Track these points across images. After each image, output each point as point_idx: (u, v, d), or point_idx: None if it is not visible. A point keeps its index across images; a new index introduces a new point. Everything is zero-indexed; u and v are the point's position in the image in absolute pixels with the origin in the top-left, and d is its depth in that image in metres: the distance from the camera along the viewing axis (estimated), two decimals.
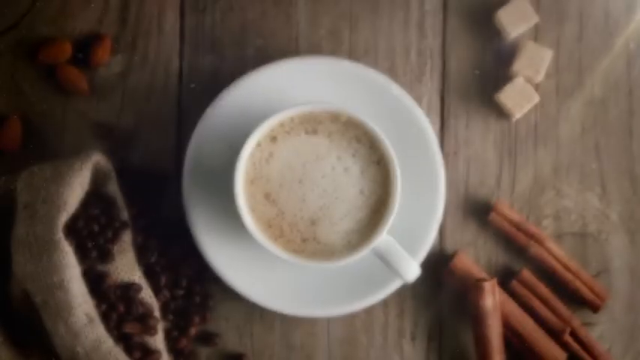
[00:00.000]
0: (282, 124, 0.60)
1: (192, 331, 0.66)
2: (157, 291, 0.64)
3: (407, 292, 0.68)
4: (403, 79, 0.68)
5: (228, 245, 0.64)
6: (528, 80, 0.67)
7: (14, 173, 0.63)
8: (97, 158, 0.62)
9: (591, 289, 0.67)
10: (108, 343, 0.58)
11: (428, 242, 0.64)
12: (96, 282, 0.61)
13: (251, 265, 0.64)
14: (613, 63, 0.69)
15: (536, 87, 0.68)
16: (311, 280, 0.65)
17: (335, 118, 0.60)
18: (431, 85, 0.68)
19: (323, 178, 0.61)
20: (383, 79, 0.64)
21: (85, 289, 0.59)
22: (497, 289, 0.65)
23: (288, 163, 0.61)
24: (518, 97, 0.67)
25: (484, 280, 0.65)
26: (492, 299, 0.64)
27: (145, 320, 0.62)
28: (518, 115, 0.67)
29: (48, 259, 0.58)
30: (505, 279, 0.68)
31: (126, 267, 0.63)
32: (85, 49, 0.67)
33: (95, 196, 0.63)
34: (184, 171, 0.64)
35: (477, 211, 0.68)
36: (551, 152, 0.68)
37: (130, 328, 0.61)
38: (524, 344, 0.66)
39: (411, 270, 0.60)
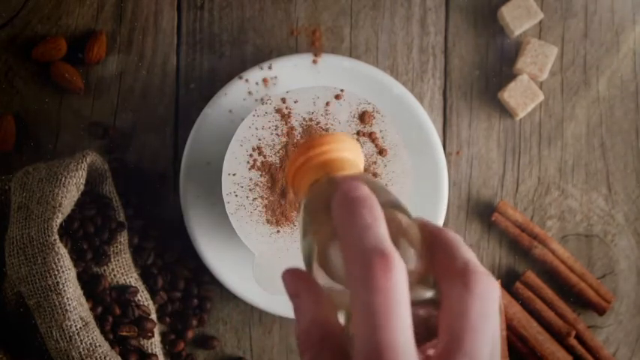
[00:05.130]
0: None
1: (190, 334, 0.65)
2: (153, 293, 0.64)
3: None
4: (405, 77, 0.68)
5: (226, 246, 0.63)
6: (532, 78, 0.66)
7: (8, 173, 0.63)
8: (93, 158, 0.61)
9: (597, 292, 0.67)
10: (103, 347, 0.58)
11: None
12: (91, 284, 0.61)
13: (249, 266, 0.63)
14: (619, 60, 0.68)
15: (541, 85, 0.68)
16: None
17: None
18: (433, 83, 0.68)
19: None
20: (384, 77, 0.63)
21: (80, 291, 0.58)
22: (501, 292, 0.65)
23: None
24: (522, 95, 0.66)
25: None
26: None
27: (141, 323, 0.61)
28: (522, 113, 0.66)
29: (42, 261, 0.57)
30: (509, 281, 0.67)
31: (122, 269, 0.63)
32: (80, 46, 0.67)
33: (91, 196, 0.63)
34: (181, 171, 0.63)
35: (480, 211, 0.68)
36: (556, 152, 0.68)
37: (125, 331, 0.61)
38: (528, 347, 0.65)
39: None
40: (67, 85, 0.66)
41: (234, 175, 0.57)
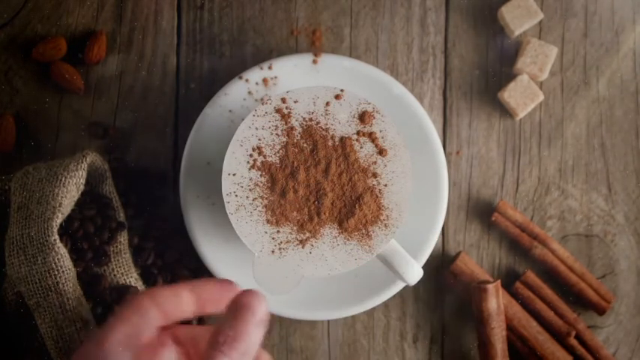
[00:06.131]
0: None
1: None
2: None
3: (409, 294, 0.67)
4: (405, 77, 0.68)
5: (226, 246, 0.63)
6: (532, 78, 0.66)
7: (8, 173, 0.63)
8: (93, 158, 0.61)
9: (597, 292, 0.67)
10: None
11: (430, 244, 0.63)
12: (91, 284, 0.61)
13: (249, 266, 0.63)
14: (619, 60, 0.68)
15: (541, 85, 0.68)
16: (311, 282, 0.64)
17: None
18: (433, 83, 0.68)
19: None
20: (384, 77, 0.63)
21: (80, 291, 0.58)
22: (501, 292, 0.65)
23: None
24: (522, 95, 0.66)
25: (487, 282, 0.65)
26: (496, 302, 0.64)
27: None
28: (522, 113, 0.66)
29: (42, 261, 0.57)
30: (509, 281, 0.67)
31: (122, 269, 0.63)
32: (80, 46, 0.67)
33: (91, 196, 0.63)
34: (181, 171, 0.63)
35: (480, 211, 0.68)
36: (556, 152, 0.68)
37: None
38: (528, 347, 0.65)
39: (414, 272, 0.59)
40: (67, 85, 0.66)
41: (234, 175, 0.57)
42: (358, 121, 0.58)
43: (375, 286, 0.63)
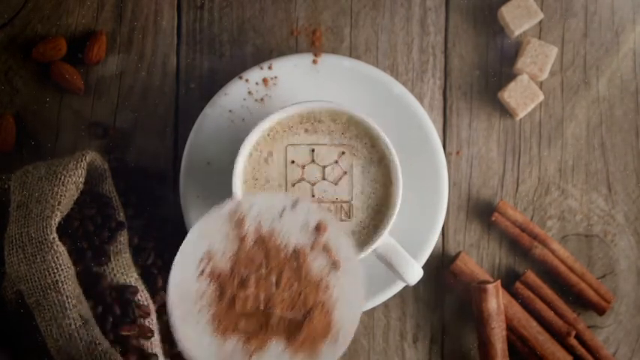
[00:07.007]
0: (280, 123, 0.59)
1: None
2: (153, 293, 0.64)
3: (409, 294, 0.67)
4: (405, 77, 0.68)
5: None
6: (532, 78, 0.66)
7: (8, 173, 0.63)
8: (92, 157, 0.62)
9: (597, 292, 0.67)
10: (104, 344, 0.58)
11: (430, 244, 0.63)
12: (91, 283, 0.61)
13: None
14: (619, 60, 0.68)
15: (541, 85, 0.68)
16: None
17: (335, 116, 0.60)
18: (433, 83, 0.68)
19: (323, 179, 0.60)
20: (384, 77, 0.63)
21: (79, 290, 0.58)
22: (501, 292, 0.65)
23: (288, 163, 0.60)
24: (522, 95, 0.66)
25: (487, 282, 0.64)
26: (496, 301, 0.64)
27: (141, 323, 0.61)
28: (522, 113, 0.66)
29: (42, 259, 0.57)
30: (509, 281, 0.67)
31: (122, 268, 0.63)
32: (80, 46, 0.67)
33: (91, 195, 0.63)
34: (181, 171, 0.63)
35: (480, 211, 0.68)
36: (556, 151, 0.68)
37: (126, 331, 0.61)
38: (528, 347, 0.65)
39: (414, 272, 0.59)
40: (67, 85, 0.66)
41: (181, 283, 0.54)
42: (313, 231, 0.56)
43: (375, 286, 0.63)
